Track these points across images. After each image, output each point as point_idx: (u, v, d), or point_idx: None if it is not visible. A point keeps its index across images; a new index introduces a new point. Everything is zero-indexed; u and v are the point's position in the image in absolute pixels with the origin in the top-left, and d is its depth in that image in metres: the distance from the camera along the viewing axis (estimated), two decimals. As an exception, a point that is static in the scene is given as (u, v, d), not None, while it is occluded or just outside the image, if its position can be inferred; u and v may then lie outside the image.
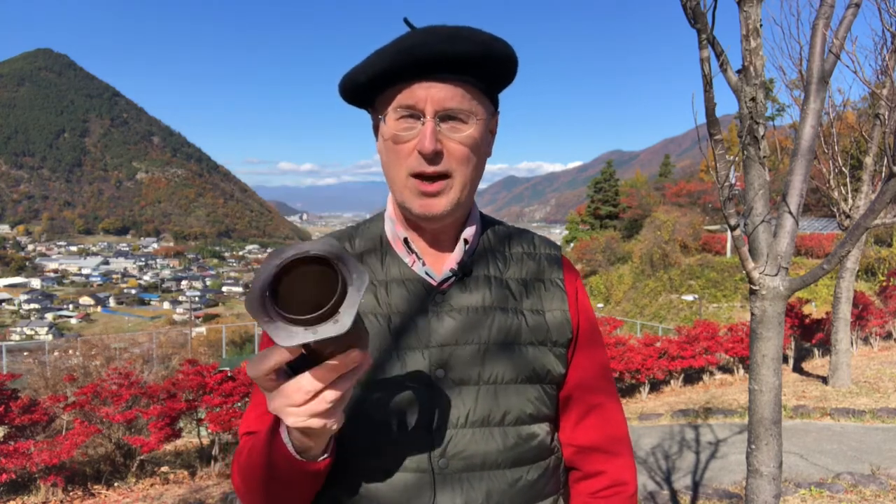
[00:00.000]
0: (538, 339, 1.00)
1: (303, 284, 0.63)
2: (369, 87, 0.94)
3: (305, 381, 0.70)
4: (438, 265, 1.01)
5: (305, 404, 0.71)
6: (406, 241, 1.00)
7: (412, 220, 1.00)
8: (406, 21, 0.93)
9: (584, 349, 1.05)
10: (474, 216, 1.04)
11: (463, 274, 1.00)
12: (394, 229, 1.02)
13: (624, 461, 1.06)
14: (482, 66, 0.92)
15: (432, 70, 0.89)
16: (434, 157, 0.91)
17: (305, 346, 0.69)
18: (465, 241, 1.01)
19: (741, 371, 10.50)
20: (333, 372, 0.70)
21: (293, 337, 0.62)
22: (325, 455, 0.83)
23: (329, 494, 0.94)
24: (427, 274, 1.00)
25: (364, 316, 0.97)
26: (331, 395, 0.71)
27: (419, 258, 1.00)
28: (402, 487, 0.91)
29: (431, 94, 0.90)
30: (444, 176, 0.93)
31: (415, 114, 0.91)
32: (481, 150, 0.96)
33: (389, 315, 0.97)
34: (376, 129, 0.99)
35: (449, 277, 1.00)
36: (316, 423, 0.73)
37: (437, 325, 0.96)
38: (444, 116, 0.91)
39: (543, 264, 1.07)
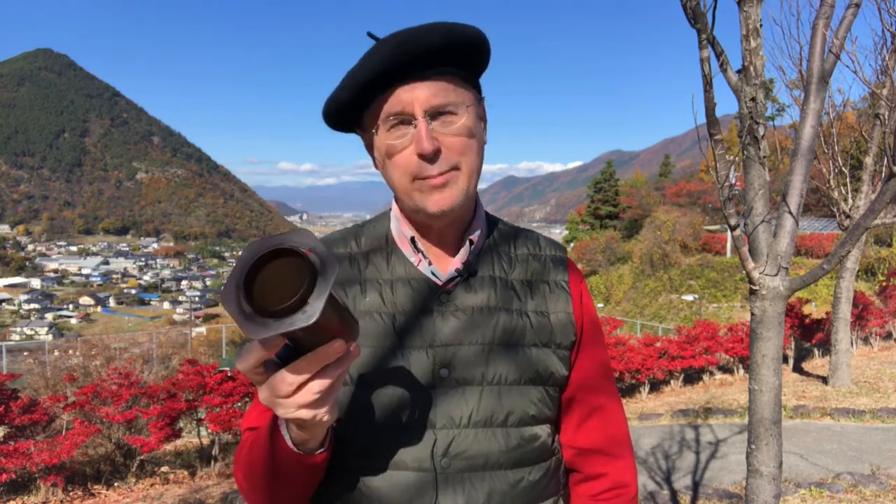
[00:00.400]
0: (542, 340, 1.00)
1: (275, 277, 0.63)
2: (353, 106, 0.94)
3: (289, 373, 0.71)
4: (444, 265, 1.01)
5: (291, 396, 0.72)
6: (413, 240, 1.00)
7: (420, 220, 0.99)
8: (370, 34, 0.93)
9: (586, 350, 1.05)
10: (480, 216, 1.04)
11: (468, 274, 1.00)
12: (400, 228, 1.02)
13: (625, 463, 1.07)
14: (456, 53, 0.92)
15: (410, 71, 0.89)
16: (434, 156, 0.91)
17: (288, 337, 0.69)
18: (471, 242, 1.01)
19: (741, 371, 10.50)
20: (315, 363, 0.70)
21: (264, 329, 0.62)
22: (322, 449, 0.84)
23: (331, 492, 0.95)
24: (432, 273, 1.00)
25: (369, 314, 0.97)
26: (316, 385, 0.72)
27: (425, 257, 1.00)
28: (404, 486, 0.92)
29: (416, 94, 0.90)
30: (451, 169, 0.93)
31: (405, 119, 0.91)
32: (477, 136, 0.96)
33: (394, 314, 0.97)
34: (370, 147, 0.99)
35: (454, 277, 1.00)
36: (305, 413, 0.73)
37: (441, 324, 0.97)
38: (434, 113, 0.91)
39: (548, 266, 1.07)
